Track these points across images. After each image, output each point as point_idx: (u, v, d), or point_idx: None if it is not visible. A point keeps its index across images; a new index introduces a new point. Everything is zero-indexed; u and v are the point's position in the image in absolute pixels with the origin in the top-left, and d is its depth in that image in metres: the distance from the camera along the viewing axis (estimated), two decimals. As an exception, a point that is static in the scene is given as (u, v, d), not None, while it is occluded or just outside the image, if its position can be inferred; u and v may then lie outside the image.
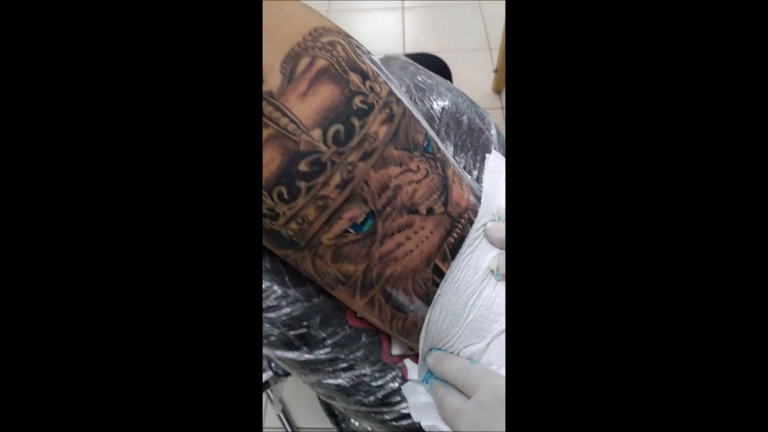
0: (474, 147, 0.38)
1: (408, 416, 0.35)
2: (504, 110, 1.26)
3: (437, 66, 0.79)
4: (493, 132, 0.40)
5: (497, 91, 1.30)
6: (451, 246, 0.29)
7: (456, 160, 0.37)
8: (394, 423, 0.35)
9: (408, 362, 0.34)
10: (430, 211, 0.28)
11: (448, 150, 0.37)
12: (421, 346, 0.31)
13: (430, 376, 0.32)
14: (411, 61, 0.41)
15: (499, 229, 0.30)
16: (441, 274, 0.29)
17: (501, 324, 0.30)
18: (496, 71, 1.26)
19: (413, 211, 0.27)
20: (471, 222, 0.30)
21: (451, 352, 0.31)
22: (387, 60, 0.42)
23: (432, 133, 0.31)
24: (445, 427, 0.30)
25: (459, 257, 0.29)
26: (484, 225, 0.30)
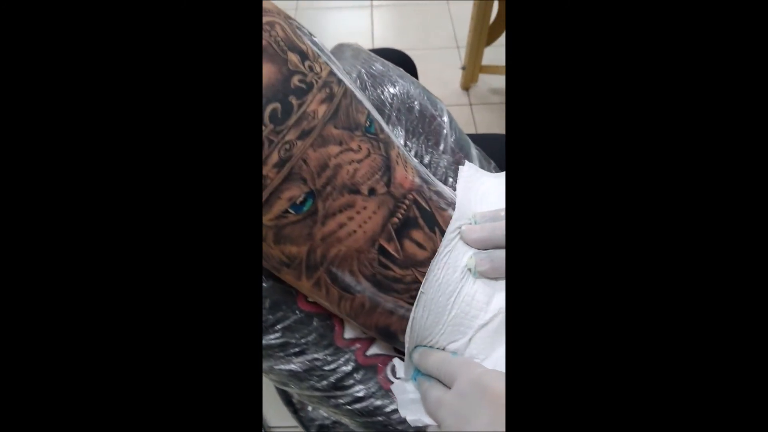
0: (426, 132, 0.38)
1: (362, 399, 0.35)
2: (471, 107, 1.28)
3: (400, 60, 0.80)
4: (446, 118, 0.40)
5: (465, 88, 1.31)
6: (395, 226, 0.29)
7: (408, 146, 0.37)
8: (348, 407, 0.35)
9: (396, 361, 0.34)
10: (372, 191, 0.28)
11: (399, 135, 0.37)
12: (406, 345, 0.32)
13: (417, 373, 0.33)
14: (364, 49, 0.41)
15: (474, 231, 0.31)
16: (387, 255, 0.29)
17: (481, 319, 0.31)
18: (463, 68, 1.27)
19: (354, 190, 0.27)
20: (416, 203, 0.30)
21: (437, 349, 0.32)
22: (340, 47, 0.42)
23: (376, 115, 0.31)
24: (429, 420, 0.31)
25: (438, 256, 0.30)
26: (459, 227, 0.32)
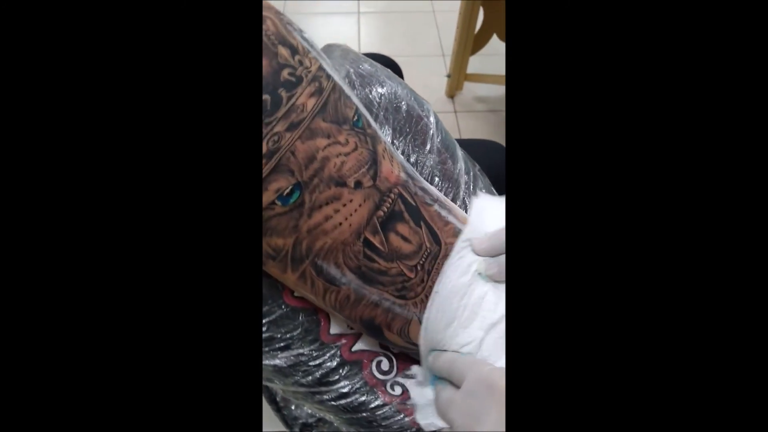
0: (413, 132, 0.39)
1: (346, 395, 0.35)
2: (456, 114, 1.30)
3: (387, 65, 0.80)
4: (432, 119, 0.41)
5: (450, 96, 1.33)
6: (380, 220, 0.29)
7: (395, 144, 0.38)
8: (333, 403, 0.35)
9: (415, 367, 0.35)
10: (358, 184, 0.28)
11: (386, 134, 0.37)
12: (422, 350, 0.33)
13: (435, 378, 0.33)
14: (353, 50, 0.42)
15: (483, 241, 0.34)
16: (372, 247, 0.29)
17: (490, 318, 0.32)
18: (448, 76, 1.29)
19: (341, 183, 0.27)
20: (401, 197, 0.31)
21: (450, 351, 0.32)
22: (329, 47, 0.42)
23: (363, 110, 0.31)
24: (442, 423, 0.31)
25: (450, 260, 0.32)
26: (470, 239, 0.34)
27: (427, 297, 0.32)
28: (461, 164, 0.42)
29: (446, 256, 0.32)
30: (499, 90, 1.33)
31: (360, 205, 0.28)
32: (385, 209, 0.30)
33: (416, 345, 0.33)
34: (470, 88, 1.33)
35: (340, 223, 0.28)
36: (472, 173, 0.42)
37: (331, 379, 0.34)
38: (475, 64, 1.24)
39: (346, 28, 1.51)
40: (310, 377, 0.34)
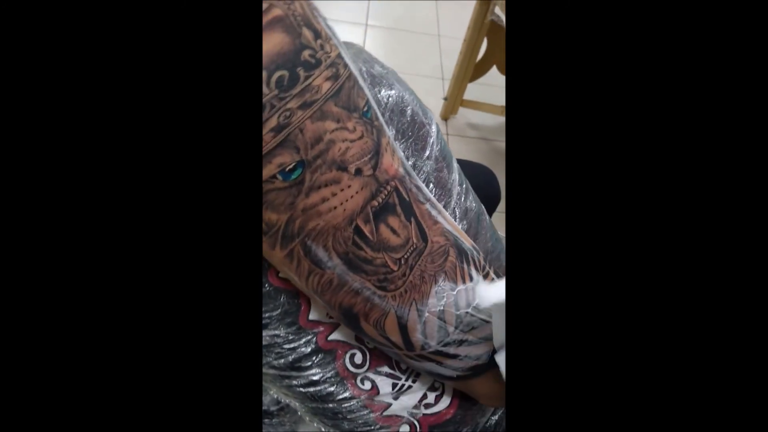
0: (414, 136, 0.40)
1: (316, 383, 0.35)
2: (448, 137, 1.32)
3: (391, 77, 0.82)
4: (434, 128, 0.43)
5: (444, 118, 1.36)
6: (374, 209, 0.30)
7: (396, 146, 0.39)
8: (301, 389, 0.35)
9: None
10: (358, 171, 0.29)
11: (389, 131, 0.38)
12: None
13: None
14: (366, 51, 0.43)
15: None
16: (362, 235, 0.30)
17: None
18: (445, 99, 1.32)
19: (342, 168, 0.28)
20: (396, 190, 0.31)
21: None
22: (343, 45, 0.44)
23: (373, 103, 0.32)
24: None
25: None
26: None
27: (406, 291, 0.32)
28: (456, 175, 0.43)
29: (431, 253, 0.33)
30: (493, 119, 1.37)
31: (357, 192, 0.29)
32: (380, 200, 0.30)
33: (390, 340, 0.34)
34: (464, 114, 1.37)
35: (335, 207, 0.29)
36: (465, 185, 0.44)
37: (303, 365, 0.34)
38: (473, 91, 1.28)
39: (352, 38, 1.53)
40: (282, 360, 0.34)
